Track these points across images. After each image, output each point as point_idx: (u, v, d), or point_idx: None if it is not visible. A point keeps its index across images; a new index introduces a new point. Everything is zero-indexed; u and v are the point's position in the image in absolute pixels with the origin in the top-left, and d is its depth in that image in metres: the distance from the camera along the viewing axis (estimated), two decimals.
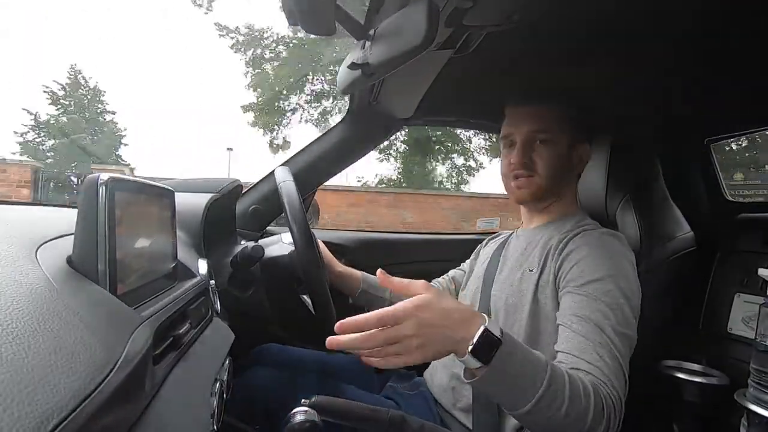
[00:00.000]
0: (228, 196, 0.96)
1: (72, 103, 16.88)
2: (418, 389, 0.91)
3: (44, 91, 16.25)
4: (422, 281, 0.59)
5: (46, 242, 0.41)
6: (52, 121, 16.34)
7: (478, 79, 1.04)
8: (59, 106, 16.55)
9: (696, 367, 1.12)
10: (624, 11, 0.72)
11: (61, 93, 16.57)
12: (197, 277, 0.65)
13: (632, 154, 1.07)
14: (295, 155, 1.27)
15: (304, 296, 1.01)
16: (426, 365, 0.96)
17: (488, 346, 0.54)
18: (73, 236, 0.40)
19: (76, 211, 0.39)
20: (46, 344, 0.28)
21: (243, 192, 1.18)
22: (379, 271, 0.60)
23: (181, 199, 0.61)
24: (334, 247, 1.10)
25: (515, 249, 0.90)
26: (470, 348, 0.54)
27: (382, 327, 0.53)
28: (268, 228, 1.26)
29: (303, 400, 0.66)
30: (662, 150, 1.14)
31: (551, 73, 0.97)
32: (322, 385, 0.85)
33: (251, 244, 0.88)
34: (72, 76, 16.94)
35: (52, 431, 0.23)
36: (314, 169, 1.24)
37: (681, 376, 1.07)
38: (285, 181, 0.85)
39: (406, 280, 0.59)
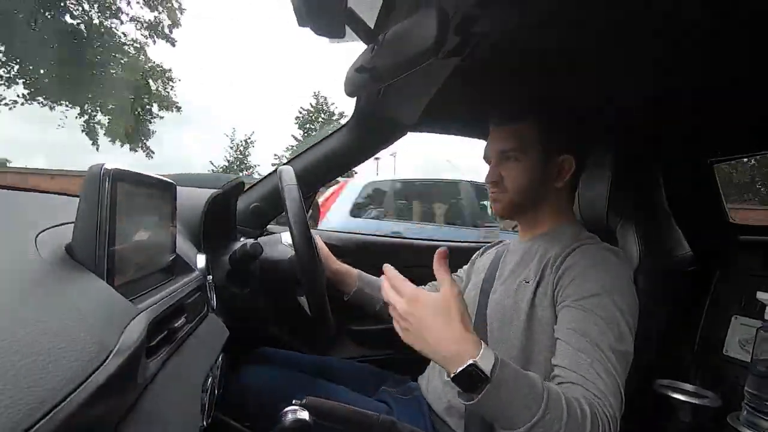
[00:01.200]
0: (230, 192, 0.96)
1: (316, 126, 18.99)
2: (412, 394, 0.91)
3: (296, 117, 18.77)
4: (456, 288, 0.61)
5: (47, 229, 0.42)
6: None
7: (484, 88, 1.04)
8: (305, 130, 18.77)
9: (690, 387, 1.12)
10: (632, 27, 0.72)
11: (306, 117, 18.83)
12: (195, 271, 0.65)
13: (635, 172, 1.07)
14: (299, 155, 1.27)
15: (301, 297, 1.01)
16: (421, 371, 0.96)
17: (473, 380, 0.55)
18: (73, 225, 0.40)
19: (77, 199, 0.40)
20: (40, 331, 0.28)
21: (245, 189, 1.18)
22: (439, 250, 0.63)
23: (183, 194, 0.61)
24: (333, 249, 1.10)
25: (511, 260, 0.90)
26: (452, 375, 0.56)
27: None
28: (268, 227, 1.27)
29: (294, 400, 0.66)
30: (665, 168, 1.14)
31: (554, 84, 0.97)
32: (316, 386, 0.85)
33: (250, 241, 0.89)
34: (317, 103, 19.06)
35: (42, 417, 0.23)
36: (317, 171, 1.25)
37: (674, 395, 1.07)
38: (289, 184, 0.86)
39: (448, 279, 0.62)
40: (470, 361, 0.55)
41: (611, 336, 0.67)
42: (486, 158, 0.92)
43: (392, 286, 0.62)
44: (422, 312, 0.58)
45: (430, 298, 0.59)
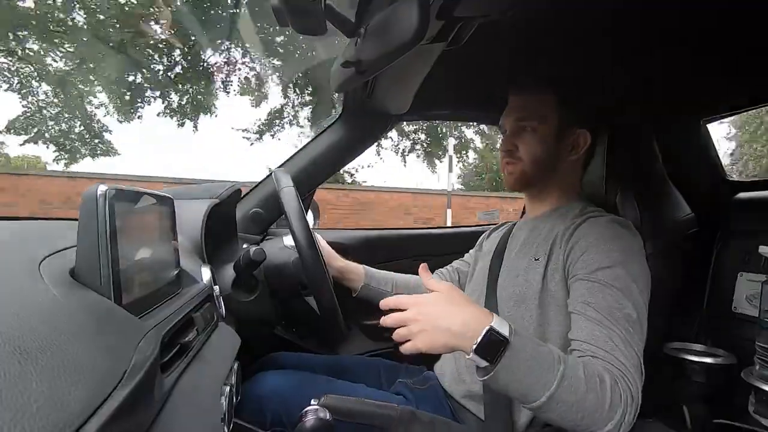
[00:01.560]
0: (227, 201, 0.96)
1: None
2: (429, 384, 0.92)
3: None
4: (449, 284, 0.66)
5: (49, 256, 0.41)
6: None
7: (472, 71, 1.04)
8: None
9: (702, 347, 1.12)
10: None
11: None
12: (200, 283, 0.65)
13: (629, 139, 1.07)
14: (292, 156, 1.27)
15: (310, 298, 1.01)
16: (436, 359, 0.96)
17: (494, 346, 0.57)
18: (75, 249, 0.40)
19: (76, 223, 0.39)
20: (52, 358, 0.28)
21: (242, 196, 1.18)
22: (422, 266, 0.69)
23: (181, 206, 0.61)
24: (338, 247, 1.10)
25: (519, 239, 0.90)
26: (474, 347, 0.57)
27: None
28: (269, 230, 1.27)
29: (313, 400, 0.66)
30: (659, 132, 1.14)
31: (544, 63, 0.97)
32: (332, 385, 0.85)
33: (253, 247, 0.88)
34: None
35: None
36: (312, 170, 1.24)
37: (687, 357, 1.08)
38: (286, 187, 0.85)
39: (434, 282, 0.67)
40: (487, 327, 0.57)
41: (626, 307, 0.67)
42: (501, 128, 0.92)
43: (392, 308, 0.64)
44: (428, 307, 0.62)
45: (430, 295, 0.64)
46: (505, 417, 0.76)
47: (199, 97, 10.51)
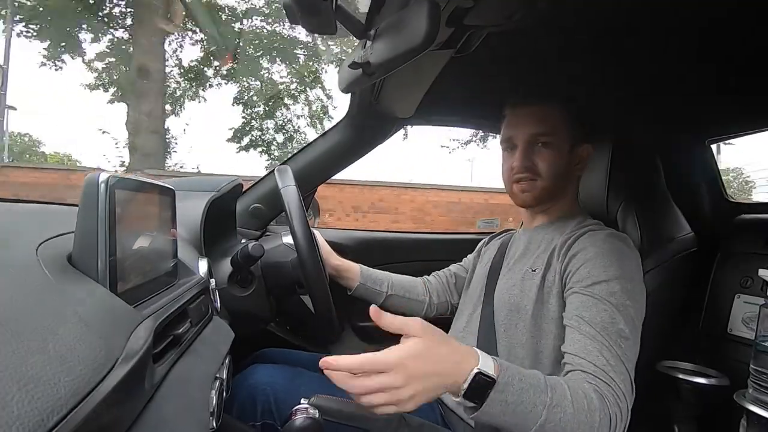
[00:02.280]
0: (228, 195, 0.96)
1: None
2: None
3: None
4: (418, 320, 0.56)
5: (47, 240, 0.41)
6: None
7: (480, 79, 1.04)
8: None
9: (696, 367, 1.12)
10: (623, 11, 0.72)
11: None
12: (197, 275, 0.65)
13: (633, 155, 1.07)
14: (295, 154, 1.27)
15: (305, 297, 1.01)
16: None
17: (481, 389, 0.55)
18: (73, 234, 0.40)
19: (76, 209, 0.40)
20: (45, 342, 0.28)
21: (243, 191, 1.18)
22: (372, 308, 0.57)
23: (182, 198, 0.61)
24: (334, 247, 1.10)
25: (517, 249, 0.90)
26: (462, 393, 0.55)
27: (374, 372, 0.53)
28: (268, 226, 1.27)
29: (303, 399, 0.66)
30: (663, 150, 1.14)
31: (551, 73, 0.97)
32: (323, 384, 0.85)
33: (251, 243, 0.88)
34: None
35: (51, 429, 0.23)
36: (315, 169, 1.25)
37: (681, 376, 1.07)
38: (287, 184, 0.85)
39: (399, 320, 0.56)
40: (476, 370, 0.54)
41: (620, 323, 0.67)
42: (509, 142, 0.87)
43: (371, 366, 0.53)
44: (414, 363, 0.53)
45: (409, 346, 0.54)
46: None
47: None
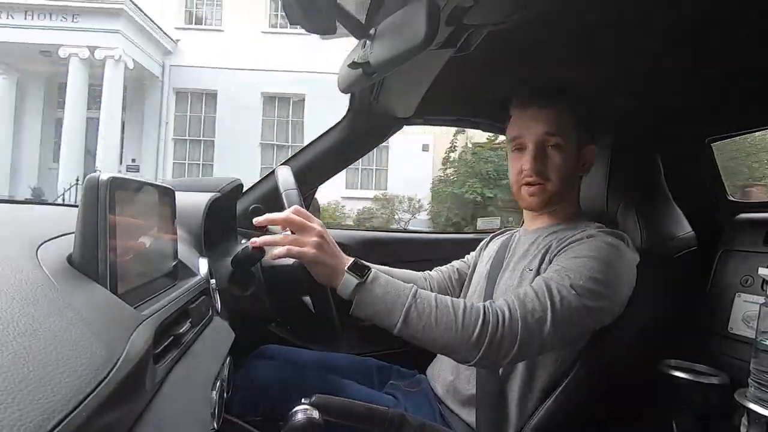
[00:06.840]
0: (229, 195, 0.96)
1: None
2: (420, 386, 0.92)
3: None
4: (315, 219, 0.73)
5: (47, 241, 0.41)
6: None
7: (479, 78, 1.04)
8: None
9: (696, 366, 1.12)
10: (624, 10, 0.72)
11: None
12: (198, 276, 0.65)
13: (633, 154, 1.07)
14: (296, 154, 1.27)
15: (305, 297, 1.01)
16: (429, 363, 0.96)
17: (360, 267, 0.69)
18: (73, 235, 0.40)
19: (77, 210, 0.40)
20: (46, 343, 0.28)
21: (244, 191, 1.18)
22: (254, 220, 0.76)
23: (182, 199, 0.61)
24: None
25: (518, 249, 0.90)
26: (348, 266, 0.69)
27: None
28: (269, 227, 1.26)
29: (303, 399, 0.66)
30: (663, 149, 1.14)
31: (551, 73, 0.97)
32: (324, 382, 0.85)
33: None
34: None
35: (52, 430, 0.23)
36: (315, 169, 1.25)
37: (681, 375, 1.07)
38: (287, 184, 0.85)
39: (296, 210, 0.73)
40: (353, 259, 0.71)
41: (567, 282, 0.69)
42: (518, 142, 0.86)
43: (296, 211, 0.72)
44: (329, 239, 0.71)
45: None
46: (497, 423, 0.76)
47: None
